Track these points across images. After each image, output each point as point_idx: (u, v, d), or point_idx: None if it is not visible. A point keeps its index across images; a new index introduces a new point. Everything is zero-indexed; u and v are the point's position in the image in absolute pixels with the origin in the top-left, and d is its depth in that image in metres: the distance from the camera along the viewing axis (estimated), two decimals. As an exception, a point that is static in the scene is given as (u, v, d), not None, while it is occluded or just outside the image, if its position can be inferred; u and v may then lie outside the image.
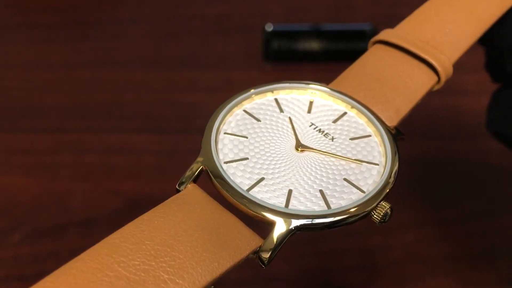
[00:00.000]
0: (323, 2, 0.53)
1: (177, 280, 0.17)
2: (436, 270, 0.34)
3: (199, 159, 0.21)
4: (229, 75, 0.46)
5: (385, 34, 0.25)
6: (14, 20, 0.52)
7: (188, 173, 0.20)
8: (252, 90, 0.23)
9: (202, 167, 0.20)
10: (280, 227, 0.19)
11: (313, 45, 0.47)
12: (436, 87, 0.24)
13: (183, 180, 0.20)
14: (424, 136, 0.41)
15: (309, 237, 0.34)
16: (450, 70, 0.24)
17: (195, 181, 0.20)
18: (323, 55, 0.47)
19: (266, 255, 0.18)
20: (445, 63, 0.24)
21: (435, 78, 0.24)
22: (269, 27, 0.47)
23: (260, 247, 0.19)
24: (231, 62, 0.48)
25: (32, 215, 0.36)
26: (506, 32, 0.27)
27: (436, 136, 0.42)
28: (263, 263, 0.19)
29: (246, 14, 0.52)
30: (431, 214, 0.37)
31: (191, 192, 0.20)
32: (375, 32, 0.46)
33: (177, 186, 0.20)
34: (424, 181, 0.39)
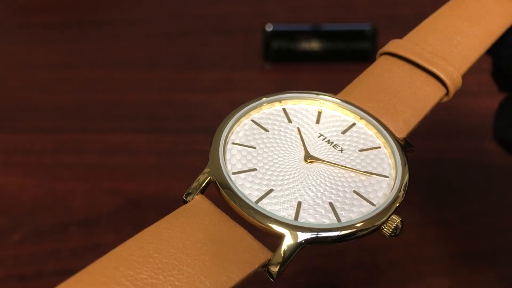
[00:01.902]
0: (323, 2, 0.53)
1: None
2: (436, 270, 0.34)
3: (206, 170, 0.20)
4: (229, 75, 0.46)
5: (393, 46, 0.25)
6: (14, 20, 0.52)
7: (195, 184, 0.20)
8: (263, 99, 0.23)
9: (209, 178, 0.20)
10: (289, 240, 0.18)
11: (313, 45, 0.47)
12: (445, 99, 0.24)
13: (190, 191, 0.20)
14: (424, 136, 0.41)
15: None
16: (459, 82, 0.24)
17: (202, 192, 0.20)
18: (323, 55, 0.47)
19: (275, 269, 0.18)
20: (453, 75, 0.24)
21: (444, 90, 0.24)
22: (269, 27, 0.47)
23: (269, 260, 0.18)
24: (231, 62, 0.48)
25: (33, 215, 0.36)
26: None
27: (436, 136, 0.42)
28: (272, 277, 0.18)
29: (246, 14, 0.52)
30: (431, 214, 0.37)
31: (198, 203, 0.19)
32: (375, 32, 0.46)
33: (184, 197, 0.20)
34: (424, 181, 0.39)
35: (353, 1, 0.54)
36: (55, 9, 0.53)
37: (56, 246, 0.35)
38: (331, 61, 0.46)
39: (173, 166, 0.39)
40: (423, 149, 0.40)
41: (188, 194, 0.20)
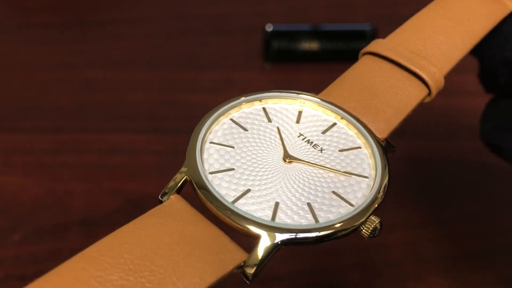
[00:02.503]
0: (323, 2, 0.53)
1: None
2: (435, 269, 0.34)
3: (183, 169, 0.20)
4: (229, 75, 0.46)
5: (376, 46, 0.25)
6: (14, 20, 0.52)
7: (171, 183, 0.19)
8: (243, 98, 0.22)
9: (186, 178, 0.20)
10: (265, 241, 0.18)
11: (313, 45, 0.47)
12: (427, 99, 0.24)
13: (166, 190, 0.19)
14: (423, 136, 0.41)
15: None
16: (441, 82, 0.24)
17: (178, 192, 0.19)
18: (323, 55, 0.47)
19: (250, 271, 0.18)
20: (435, 75, 0.23)
21: (426, 91, 0.24)
22: (269, 27, 0.47)
23: (244, 262, 0.18)
24: (231, 62, 0.48)
25: (33, 215, 0.36)
26: (498, 43, 0.27)
27: (436, 136, 0.42)
28: (248, 279, 0.18)
29: (246, 14, 0.52)
30: (430, 214, 0.37)
31: (174, 203, 0.19)
32: (375, 32, 0.46)
33: (159, 197, 0.19)
34: (423, 180, 0.39)
35: (353, 1, 0.54)
36: (55, 9, 0.53)
37: (56, 246, 0.35)
38: (331, 61, 0.47)
39: (173, 166, 0.39)
40: (422, 149, 0.40)
41: (164, 193, 0.19)
